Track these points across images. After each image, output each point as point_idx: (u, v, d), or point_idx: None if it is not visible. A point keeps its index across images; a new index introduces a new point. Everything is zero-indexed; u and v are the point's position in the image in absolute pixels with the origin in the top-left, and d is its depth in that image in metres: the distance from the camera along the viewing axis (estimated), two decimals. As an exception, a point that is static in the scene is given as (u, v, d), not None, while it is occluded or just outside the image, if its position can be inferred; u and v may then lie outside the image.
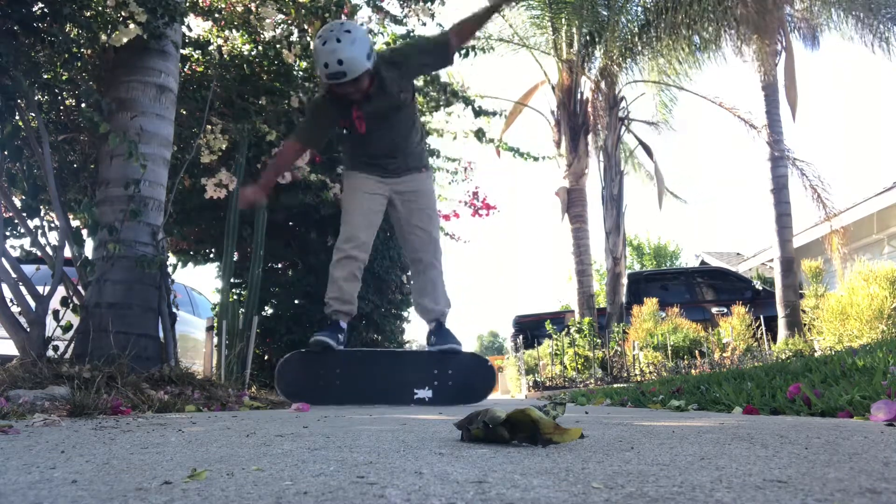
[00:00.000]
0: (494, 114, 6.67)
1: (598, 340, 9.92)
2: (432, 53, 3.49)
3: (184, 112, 4.85)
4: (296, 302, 6.67)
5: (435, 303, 3.73)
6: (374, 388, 3.66)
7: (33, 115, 3.29)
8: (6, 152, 3.32)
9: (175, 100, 3.85)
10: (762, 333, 8.67)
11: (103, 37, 3.45)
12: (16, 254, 3.29)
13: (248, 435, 1.33)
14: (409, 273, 3.85)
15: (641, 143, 12.25)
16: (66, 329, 3.19)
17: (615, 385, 7.05)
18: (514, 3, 3.46)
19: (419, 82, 5.69)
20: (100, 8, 3.54)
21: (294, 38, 5.37)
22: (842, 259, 9.23)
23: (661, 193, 12.19)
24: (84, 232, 3.69)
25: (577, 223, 11.79)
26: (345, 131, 3.58)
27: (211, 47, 5.19)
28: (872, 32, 10.05)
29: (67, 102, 4.10)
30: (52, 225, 3.41)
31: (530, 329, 13.58)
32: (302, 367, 3.68)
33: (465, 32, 3.58)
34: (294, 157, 3.75)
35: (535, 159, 7.77)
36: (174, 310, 3.68)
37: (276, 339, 6.42)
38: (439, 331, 3.75)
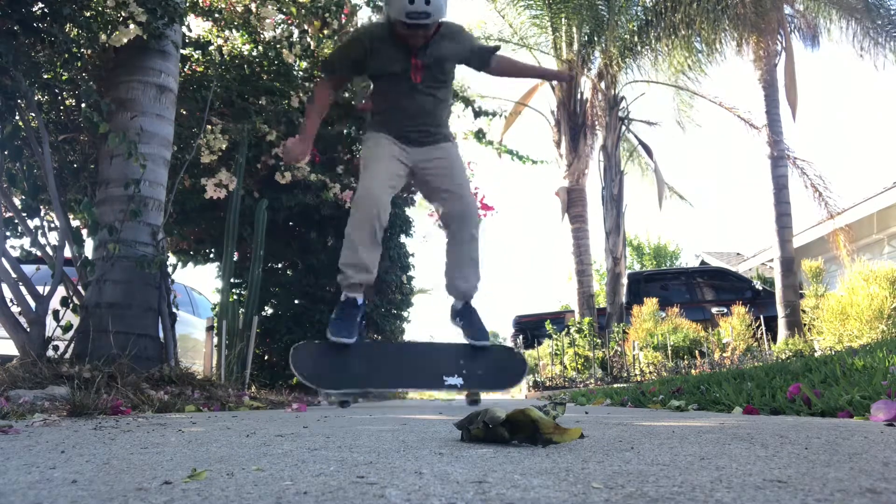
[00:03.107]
0: (494, 114, 6.68)
1: (598, 340, 9.92)
2: (478, 54, 3.43)
3: (184, 112, 4.85)
4: (296, 302, 6.67)
5: (466, 280, 3.46)
6: (401, 374, 3.46)
7: (33, 115, 3.29)
8: (6, 152, 3.32)
9: (175, 100, 3.85)
10: (762, 333, 8.67)
11: (103, 37, 3.45)
12: (16, 254, 3.29)
13: (248, 435, 1.33)
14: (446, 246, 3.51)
15: (641, 143, 12.25)
16: (66, 329, 3.19)
17: (615, 385, 7.05)
18: (564, 81, 3.41)
19: None
20: (100, 8, 3.54)
21: (294, 38, 5.37)
22: (849, 255, 9.23)
23: (661, 193, 12.18)
24: (84, 232, 3.69)
25: (577, 223, 11.79)
26: (382, 81, 3.32)
27: (211, 47, 5.19)
28: (864, 36, 10.09)
29: (67, 102, 4.10)
30: (52, 225, 3.41)
31: (530, 329, 13.58)
32: (321, 352, 3.40)
33: (504, 70, 3.59)
34: (329, 97, 3.50)
35: (534, 163, 7.77)
36: (174, 310, 3.68)
37: (276, 339, 6.42)
38: (468, 314, 3.50)
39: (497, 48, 3.53)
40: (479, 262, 3.48)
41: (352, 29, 5.71)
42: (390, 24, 3.10)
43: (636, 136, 12.34)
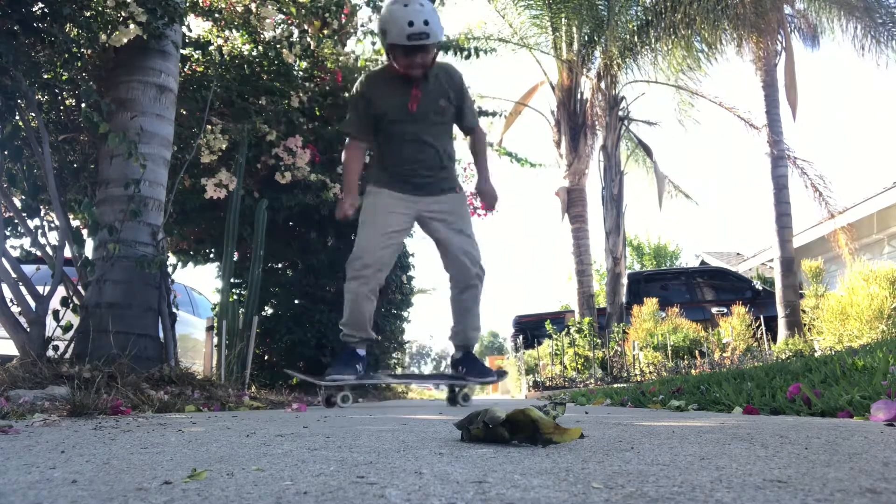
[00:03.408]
0: (494, 114, 6.69)
1: (598, 340, 9.92)
2: (467, 114, 3.46)
3: (184, 112, 4.85)
4: (296, 302, 6.67)
5: (469, 327, 3.54)
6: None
7: (33, 115, 3.29)
8: (6, 152, 3.32)
9: (175, 100, 3.85)
10: (762, 333, 8.67)
11: (103, 37, 3.45)
12: (16, 254, 3.29)
13: (248, 435, 1.33)
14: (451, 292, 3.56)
15: (641, 143, 12.25)
16: (66, 329, 3.19)
17: (615, 385, 7.05)
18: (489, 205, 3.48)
19: None
20: (100, 8, 3.54)
21: (294, 38, 5.37)
22: (851, 254, 9.23)
23: (661, 193, 12.18)
24: (84, 232, 3.69)
25: (577, 223, 11.79)
26: (383, 123, 3.34)
27: (211, 47, 5.19)
28: (865, 35, 10.09)
29: (67, 102, 4.10)
30: (52, 225, 3.41)
31: (530, 329, 13.58)
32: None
33: (473, 145, 3.64)
34: (359, 157, 3.51)
35: (532, 165, 7.78)
36: (174, 310, 3.68)
37: (276, 339, 6.42)
38: (471, 360, 3.58)
39: (480, 134, 3.63)
40: (480, 311, 3.59)
41: (351, 30, 5.72)
42: (388, 59, 3.21)
43: (636, 137, 12.34)
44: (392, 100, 3.26)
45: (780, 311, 9.62)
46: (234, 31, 5.23)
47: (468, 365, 3.55)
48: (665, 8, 9.73)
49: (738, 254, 20.35)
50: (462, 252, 3.41)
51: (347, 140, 3.50)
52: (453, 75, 3.36)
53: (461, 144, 4.80)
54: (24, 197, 3.45)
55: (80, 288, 3.37)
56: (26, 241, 3.37)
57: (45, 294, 3.12)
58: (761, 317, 9.03)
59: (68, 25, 3.49)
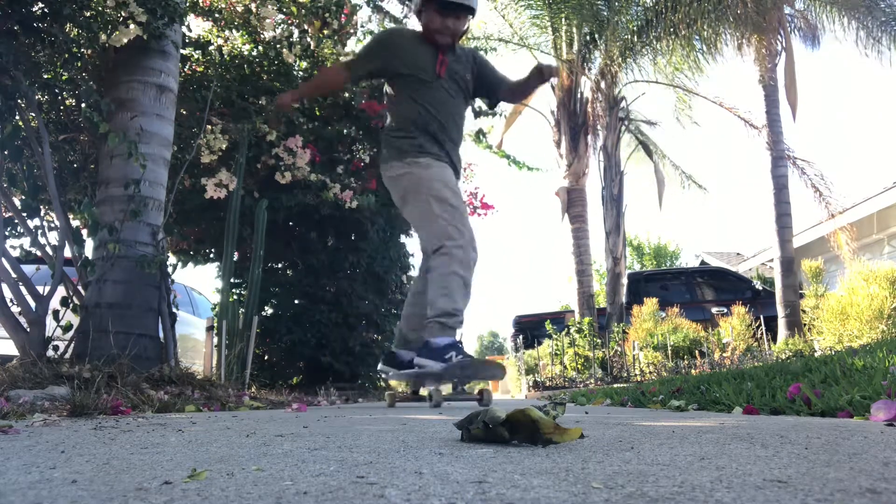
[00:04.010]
0: (494, 115, 6.68)
1: (598, 340, 9.92)
2: (498, 79, 3.30)
3: (184, 112, 4.85)
4: (296, 302, 6.68)
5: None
6: None
7: (33, 115, 3.29)
8: (6, 152, 3.32)
9: (175, 100, 3.85)
10: (762, 333, 8.67)
11: (103, 37, 3.45)
12: (16, 254, 3.29)
13: (248, 435, 1.33)
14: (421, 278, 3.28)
15: (641, 143, 12.26)
16: (66, 329, 3.19)
17: (615, 385, 7.05)
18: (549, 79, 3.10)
19: None
20: (100, 8, 3.54)
21: (294, 38, 5.37)
22: (852, 253, 9.22)
23: (661, 193, 12.19)
24: (84, 232, 3.69)
25: (577, 223, 11.79)
26: (414, 84, 3.06)
27: (211, 47, 5.19)
28: (867, 35, 10.09)
29: (67, 102, 4.10)
30: (52, 225, 3.41)
31: (530, 329, 13.58)
32: None
33: (516, 95, 3.46)
34: (333, 82, 3.30)
35: (531, 169, 7.78)
36: (174, 310, 3.68)
37: (276, 339, 6.43)
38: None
39: (507, 79, 3.40)
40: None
41: (351, 30, 5.72)
42: (419, 22, 3.05)
43: (637, 137, 12.34)
44: (420, 60, 3.05)
45: (780, 311, 9.62)
46: (234, 31, 5.23)
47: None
48: (665, 8, 9.73)
49: (738, 254, 20.36)
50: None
51: (337, 63, 3.21)
52: (475, 54, 3.29)
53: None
54: (24, 197, 3.45)
55: (80, 288, 3.37)
56: (26, 241, 3.37)
57: (45, 294, 3.12)
58: (761, 317, 9.03)
59: (68, 25, 3.49)
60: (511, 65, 15.04)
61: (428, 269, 3.05)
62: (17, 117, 3.36)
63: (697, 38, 10.01)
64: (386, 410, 2.76)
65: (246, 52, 5.56)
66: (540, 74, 3.22)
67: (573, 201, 11.83)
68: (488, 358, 3.16)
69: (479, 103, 6.47)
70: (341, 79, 3.21)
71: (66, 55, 3.61)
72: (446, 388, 3.25)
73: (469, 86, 3.24)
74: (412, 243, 7.82)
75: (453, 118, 3.15)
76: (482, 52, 6.64)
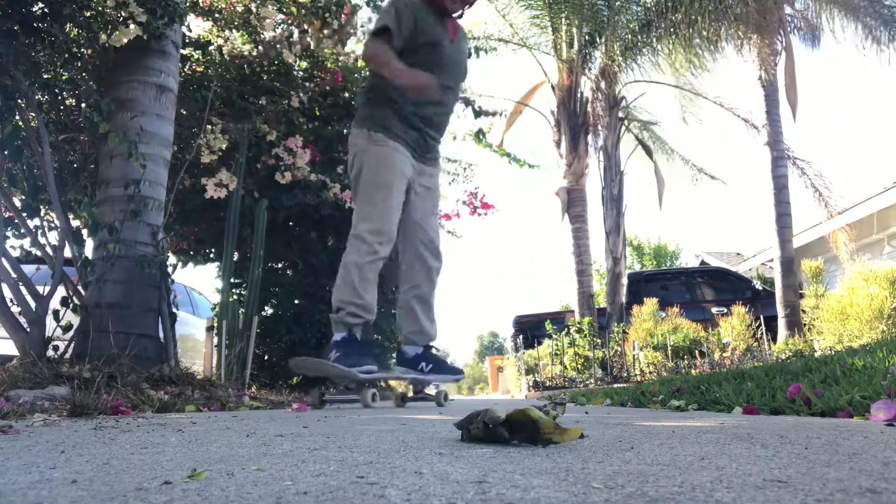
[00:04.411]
0: (495, 114, 6.68)
1: (598, 340, 9.93)
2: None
3: (184, 112, 4.85)
4: (296, 302, 6.67)
5: (432, 322, 3.20)
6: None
7: (33, 115, 3.29)
8: (6, 152, 3.32)
9: (175, 100, 3.85)
10: (762, 333, 8.68)
11: (103, 37, 3.45)
12: (16, 254, 3.29)
13: (248, 435, 1.33)
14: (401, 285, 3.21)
15: (641, 143, 12.26)
16: (66, 329, 3.19)
17: (615, 385, 7.05)
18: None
19: None
20: (100, 8, 3.54)
21: (294, 38, 5.37)
22: (850, 254, 9.23)
23: (661, 193, 12.19)
24: (84, 232, 3.69)
25: (577, 223, 11.80)
26: (422, 48, 2.89)
27: (211, 47, 5.19)
28: (867, 34, 10.09)
29: (67, 102, 4.10)
30: (52, 225, 3.41)
31: (530, 329, 13.59)
32: None
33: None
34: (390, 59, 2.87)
35: (531, 167, 7.78)
36: (174, 310, 3.68)
37: (276, 339, 6.42)
38: (433, 357, 3.21)
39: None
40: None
41: (351, 30, 5.72)
42: None
43: (637, 137, 12.34)
44: (433, 25, 2.90)
45: (780, 311, 9.63)
46: (234, 31, 5.23)
47: (434, 362, 3.18)
48: (666, 7, 9.73)
49: (738, 254, 20.36)
50: (430, 240, 3.11)
51: (371, 39, 2.85)
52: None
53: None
54: (24, 197, 3.45)
55: (80, 288, 3.37)
56: (26, 241, 3.37)
57: (45, 294, 3.12)
58: (761, 317, 9.04)
59: (68, 25, 3.49)
60: (511, 64, 15.03)
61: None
62: (17, 117, 3.36)
63: (698, 38, 10.01)
64: (385, 410, 2.76)
65: (246, 52, 5.56)
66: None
67: (573, 201, 11.84)
68: (315, 360, 3.14)
69: (478, 104, 6.47)
70: (386, 46, 2.82)
71: (66, 55, 3.61)
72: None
73: (466, 64, 3.14)
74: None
75: (446, 100, 3.00)
76: (483, 52, 6.65)
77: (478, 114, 6.33)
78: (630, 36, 10.74)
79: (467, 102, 6.29)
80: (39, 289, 3.15)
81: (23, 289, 3.08)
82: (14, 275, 3.08)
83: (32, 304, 3.08)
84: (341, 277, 2.91)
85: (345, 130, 6.24)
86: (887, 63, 10.12)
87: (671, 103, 12.50)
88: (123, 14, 3.43)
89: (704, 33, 9.78)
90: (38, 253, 3.32)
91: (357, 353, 2.89)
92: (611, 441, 1.13)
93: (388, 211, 2.91)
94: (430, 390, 3.48)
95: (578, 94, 11.88)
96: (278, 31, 5.35)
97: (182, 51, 4.20)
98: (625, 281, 10.99)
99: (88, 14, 3.54)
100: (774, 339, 9.09)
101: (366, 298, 2.92)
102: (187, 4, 4.36)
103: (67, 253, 3.28)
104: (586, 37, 11.50)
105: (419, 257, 3.13)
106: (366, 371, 2.90)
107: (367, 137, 2.94)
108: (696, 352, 8.15)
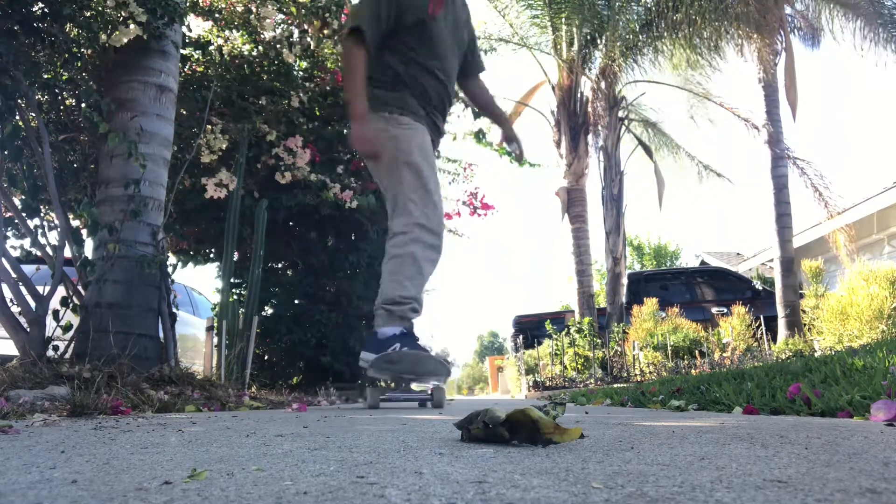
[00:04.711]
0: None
1: (598, 340, 9.93)
2: (473, 51, 3.05)
3: (184, 112, 4.85)
4: (296, 302, 6.67)
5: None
6: None
7: (33, 115, 3.29)
8: (6, 152, 3.32)
9: (175, 100, 3.85)
10: (762, 333, 8.68)
11: (103, 37, 3.45)
12: (16, 254, 3.29)
13: (248, 435, 1.33)
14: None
15: (641, 143, 12.26)
16: (66, 329, 3.19)
17: (615, 385, 7.05)
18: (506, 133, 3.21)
19: None
20: (100, 8, 3.54)
21: (294, 38, 5.37)
22: (849, 255, 9.23)
23: (661, 193, 12.19)
24: (84, 232, 3.70)
25: (577, 223, 11.80)
26: (410, 26, 2.70)
27: (211, 47, 5.19)
28: (864, 35, 10.10)
29: (67, 102, 4.10)
30: (52, 225, 3.41)
31: (530, 329, 13.59)
32: None
33: (477, 94, 3.19)
34: (361, 64, 2.65)
35: (532, 165, 7.78)
36: (174, 310, 3.68)
37: (276, 339, 6.42)
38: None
39: (483, 69, 3.16)
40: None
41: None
42: None
43: (637, 137, 12.34)
44: (418, 3, 2.69)
45: (780, 311, 9.63)
46: (234, 31, 5.23)
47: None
48: (667, 7, 9.74)
49: (738, 254, 20.36)
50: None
51: (348, 40, 2.66)
52: (467, 9, 2.94)
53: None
54: (24, 197, 3.45)
55: (80, 288, 3.37)
56: (26, 241, 3.37)
57: (45, 294, 3.12)
58: (761, 317, 9.04)
59: (68, 25, 3.49)
60: (511, 64, 15.03)
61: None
62: (17, 117, 3.36)
63: (698, 38, 10.01)
64: (386, 410, 2.75)
65: (246, 52, 5.57)
66: (514, 141, 3.16)
67: (573, 201, 11.84)
68: (435, 354, 2.78)
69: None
70: (365, 55, 2.65)
71: (66, 55, 3.61)
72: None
73: (464, 39, 2.92)
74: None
75: (446, 72, 2.82)
76: (483, 52, 6.65)
77: (477, 114, 6.33)
78: (630, 36, 10.74)
79: (467, 103, 6.29)
80: (39, 289, 3.14)
81: (23, 289, 3.08)
82: (14, 275, 3.08)
83: (32, 304, 3.08)
84: (405, 269, 2.63)
85: (345, 130, 6.24)
86: (884, 65, 10.13)
87: (673, 102, 12.52)
88: (123, 14, 3.43)
89: (705, 33, 9.78)
90: (38, 253, 3.32)
91: (421, 348, 2.65)
92: (611, 441, 1.13)
93: (440, 197, 2.71)
94: (417, 386, 3.16)
95: (578, 94, 11.88)
96: (278, 31, 5.35)
97: (182, 51, 4.20)
98: (625, 281, 11.00)
99: (88, 14, 3.54)
100: (774, 339, 9.09)
101: (422, 296, 2.73)
102: (187, 4, 4.36)
103: (67, 253, 3.28)
104: (586, 37, 11.50)
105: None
106: (448, 361, 2.81)
107: (392, 121, 2.70)
108: (696, 352, 8.15)
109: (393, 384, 3.00)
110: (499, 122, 3.29)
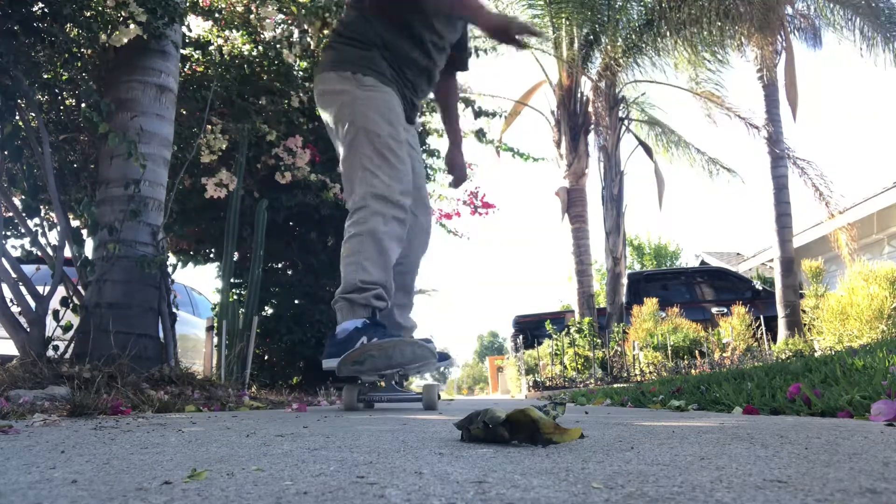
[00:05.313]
0: (494, 114, 6.68)
1: (598, 340, 9.93)
2: (467, 48, 2.91)
3: (184, 112, 4.85)
4: (296, 302, 6.67)
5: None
6: None
7: (33, 115, 3.29)
8: (6, 152, 3.32)
9: (175, 100, 3.85)
10: (762, 333, 8.68)
11: (103, 37, 3.45)
12: (16, 254, 3.29)
13: (248, 435, 1.33)
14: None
15: (641, 143, 12.26)
16: (66, 329, 3.19)
17: (615, 385, 7.04)
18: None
19: None
20: (100, 8, 3.54)
21: (294, 38, 5.37)
22: (851, 254, 9.23)
23: (661, 193, 12.19)
24: (84, 232, 3.69)
25: (577, 223, 11.80)
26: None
27: (211, 47, 5.19)
28: (864, 36, 10.11)
29: (67, 102, 4.10)
30: (52, 225, 3.41)
31: (530, 329, 13.60)
32: None
33: (445, 104, 3.00)
34: None
35: (535, 160, 7.78)
36: (174, 310, 3.68)
37: (276, 339, 6.42)
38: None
39: (466, 69, 2.98)
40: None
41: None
42: None
43: (637, 137, 12.35)
44: None
45: (780, 311, 9.63)
46: (234, 31, 5.23)
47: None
48: (668, 7, 9.74)
49: (738, 254, 20.36)
50: (427, 208, 2.78)
51: None
52: None
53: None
54: (24, 197, 3.45)
55: (80, 288, 3.37)
56: (26, 241, 3.37)
57: (45, 294, 3.12)
58: (761, 317, 9.04)
59: (68, 25, 3.49)
60: (511, 64, 15.02)
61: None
62: (17, 117, 3.36)
63: (699, 37, 10.02)
64: (386, 410, 2.75)
65: (246, 52, 5.56)
66: (454, 168, 2.93)
67: (573, 201, 11.84)
68: (411, 338, 2.52)
69: (478, 104, 6.47)
70: None
71: (66, 55, 3.61)
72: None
73: (459, 30, 2.68)
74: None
75: (438, 51, 2.58)
76: (483, 52, 6.64)
77: (478, 114, 6.33)
78: (632, 35, 10.74)
79: (467, 103, 6.29)
80: (39, 289, 3.15)
81: (23, 289, 3.08)
82: (14, 275, 3.08)
83: (32, 304, 3.08)
84: (365, 250, 2.33)
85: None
86: (884, 64, 10.13)
87: (677, 103, 12.52)
88: (123, 14, 3.43)
89: (705, 33, 9.78)
90: (38, 253, 3.32)
91: (391, 335, 2.36)
92: (611, 441, 1.13)
93: (407, 166, 2.42)
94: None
95: (578, 94, 11.89)
96: (278, 31, 5.35)
97: (182, 51, 4.19)
98: (625, 281, 11.00)
99: (88, 14, 3.54)
100: (774, 339, 9.09)
101: (390, 280, 2.40)
102: (187, 4, 4.36)
103: (67, 253, 3.28)
104: (587, 36, 11.51)
105: (420, 227, 2.75)
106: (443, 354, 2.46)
107: (354, 82, 2.42)
108: (696, 352, 8.15)
109: (382, 383, 2.64)
110: (452, 134, 2.98)
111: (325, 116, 2.56)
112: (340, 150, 2.51)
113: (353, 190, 2.41)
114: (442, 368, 2.71)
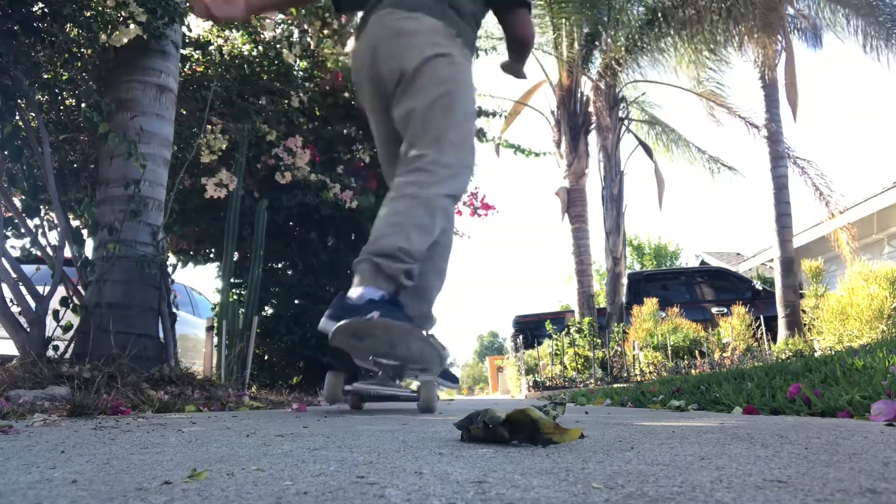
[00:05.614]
0: (494, 114, 6.68)
1: (598, 340, 9.93)
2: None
3: (184, 112, 4.85)
4: (296, 302, 6.67)
5: None
6: None
7: (33, 115, 3.29)
8: (6, 152, 3.32)
9: (175, 100, 3.85)
10: (762, 333, 8.68)
11: (103, 37, 3.45)
12: (16, 254, 3.29)
13: (248, 435, 1.33)
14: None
15: (641, 143, 12.26)
16: (66, 329, 3.19)
17: (615, 385, 7.04)
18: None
19: None
20: (100, 8, 3.54)
21: (294, 38, 5.37)
22: (852, 253, 9.23)
23: (661, 193, 12.20)
24: (84, 232, 3.69)
25: (577, 223, 11.80)
26: None
27: (211, 47, 5.19)
28: (866, 35, 10.11)
29: (67, 102, 4.10)
30: (52, 225, 3.41)
31: (530, 329, 13.60)
32: None
33: (520, 28, 2.74)
34: None
35: (536, 155, 7.79)
36: (174, 310, 3.68)
37: (276, 339, 6.42)
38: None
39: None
40: None
41: (352, 29, 5.72)
42: None
43: (636, 137, 12.35)
44: None
45: (780, 311, 9.63)
46: (234, 31, 5.23)
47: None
48: (668, 7, 9.74)
49: (738, 254, 20.37)
50: None
51: None
52: None
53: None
54: (24, 197, 3.45)
55: (80, 288, 3.37)
56: (26, 241, 3.37)
57: (45, 294, 3.12)
58: (761, 317, 9.04)
59: (68, 25, 3.49)
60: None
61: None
62: (17, 117, 3.36)
63: (700, 37, 10.01)
64: (386, 410, 2.74)
65: (246, 52, 5.56)
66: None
67: (573, 201, 11.85)
68: (426, 334, 1.93)
69: (478, 103, 6.47)
70: None
71: (66, 55, 3.61)
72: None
73: None
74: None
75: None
76: (483, 52, 6.64)
77: (477, 114, 6.33)
78: (633, 35, 10.74)
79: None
80: (39, 289, 3.15)
81: (23, 289, 3.08)
82: (14, 275, 3.08)
83: (32, 304, 3.08)
84: (417, 215, 1.96)
85: (345, 130, 6.24)
86: (886, 62, 10.13)
87: (677, 103, 12.51)
88: (123, 14, 3.43)
89: (707, 32, 9.78)
90: (38, 253, 3.32)
91: (407, 319, 1.92)
92: (611, 441, 1.13)
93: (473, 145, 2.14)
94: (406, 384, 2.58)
95: (579, 94, 11.89)
96: (278, 31, 5.35)
97: (182, 51, 4.19)
98: (625, 281, 11.00)
99: (88, 14, 3.54)
100: (774, 339, 9.09)
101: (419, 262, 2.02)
102: (187, 4, 4.36)
103: (67, 253, 3.28)
104: (587, 36, 11.51)
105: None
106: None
107: (459, 48, 2.15)
108: (696, 352, 8.15)
109: (379, 373, 2.24)
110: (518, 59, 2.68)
111: (404, 52, 2.09)
112: (420, 99, 2.05)
113: (423, 145, 2.00)
114: (440, 386, 2.38)
